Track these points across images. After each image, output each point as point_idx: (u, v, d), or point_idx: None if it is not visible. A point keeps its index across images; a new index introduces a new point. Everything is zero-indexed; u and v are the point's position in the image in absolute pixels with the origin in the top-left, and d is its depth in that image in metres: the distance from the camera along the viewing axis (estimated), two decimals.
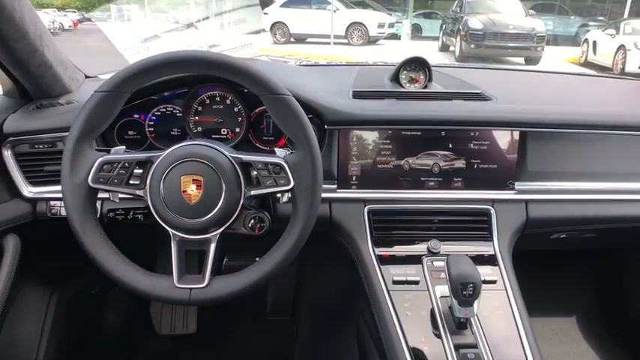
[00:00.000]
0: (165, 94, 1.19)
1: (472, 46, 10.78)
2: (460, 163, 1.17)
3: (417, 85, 1.31)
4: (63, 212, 1.12)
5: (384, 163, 1.17)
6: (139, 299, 1.81)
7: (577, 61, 11.40)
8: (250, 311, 1.93)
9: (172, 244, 0.91)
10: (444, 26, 13.15)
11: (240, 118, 1.19)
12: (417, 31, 15.46)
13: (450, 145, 1.16)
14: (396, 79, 1.31)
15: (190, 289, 0.88)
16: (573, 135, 1.17)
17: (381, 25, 13.17)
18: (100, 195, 1.01)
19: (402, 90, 1.27)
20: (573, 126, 1.15)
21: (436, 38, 13.82)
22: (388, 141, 1.16)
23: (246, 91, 0.91)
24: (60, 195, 0.89)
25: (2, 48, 0.99)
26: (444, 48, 12.74)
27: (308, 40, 13.13)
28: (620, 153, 1.20)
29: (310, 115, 1.14)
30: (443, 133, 1.15)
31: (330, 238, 1.20)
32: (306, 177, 0.89)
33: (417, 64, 1.31)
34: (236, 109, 1.18)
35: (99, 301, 1.63)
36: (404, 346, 0.94)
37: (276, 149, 0.95)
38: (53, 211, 1.14)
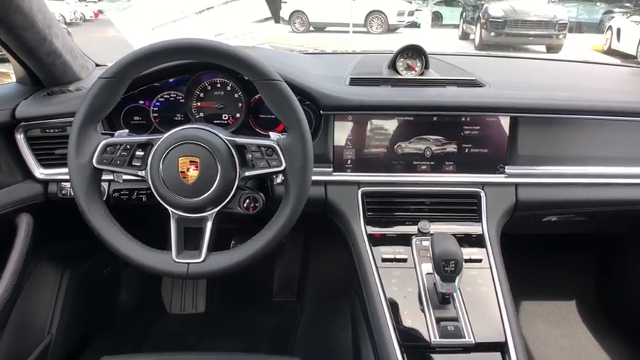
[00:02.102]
0: (170, 80, 1.24)
1: (492, 34, 10.60)
2: (452, 148, 1.20)
3: (413, 72, 1.34)
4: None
5: (378, 147, 1.21)
6: (150, 280, 1.91)
7: (601, 49, 11.12)
8: (257, 292, 2.00)
9: (171, 221, 0.96)
10: (464, 14, 12.94)
11: (240, 104, 1.24)
12: (437, 19, 15.24)
13: (442, 130, 1.19)
14: (393, 66, 1.34)
15: (188, 263, 0.94)
16: (563, 120, 1.19)
17: (400, 13, 13.03)
18: (107, 177, 1.09)
19: (398, 77, 1.31)
20: (562, 111, 1.17)
21: (457, 26, 13.60)
22: (382, 126, 1.20)
23: (246, 78, 0.95)
24: (69, 179, 0.96)
25: (12, 37, 1.05)
26: (465, 36, 12.56)
27: (327, 29, 13.09)
28: (610, 138, 1.22)
29: (307, 101, 1.19)
30: (435, 118, 1.19)
31: (326, 219, 1.25)
32: (297, 159, 0.93)
33: (414, 51, 1.34)
34: (236, 96, 1.23)
35: (111, 281, 1.72)
36: (388, 318, 0.98)
37: (270, 133, 1.00)
38: (64, 191, 1.22)
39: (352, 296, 1.14)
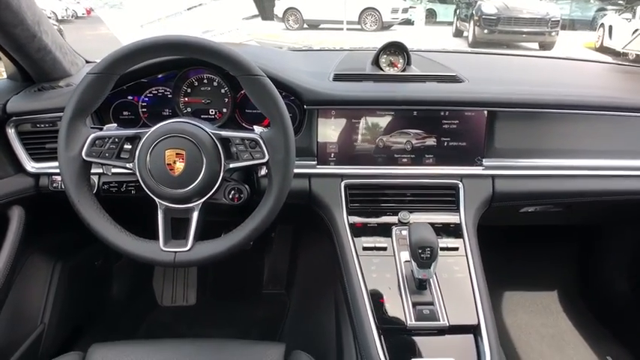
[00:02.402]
0: (158, 76, 1.28)
1: (485, 31, 10.64)
2: (431, 141, 1.24)
3: (395, 68, 1.38)
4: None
5: (360, 141, 1.25)
6: (142, 273, 1.94)
7: (593, 47, 11.19)
8: (248, 285, 2.04)
9: (159, 212, 0.99)
10: (457, 11, 12.98)
11: (226, 99, 1.27)
12: (431, 16, 15.26)
13: (422, 124, 1.23)
14: (376, 62, 1.38)
15: (175, 252, 0.97)
16: (538, 114, 1.24)
17: (394, 11, 13.04)
18: (97, 171, 1.12)
19: (381, 73, 1.34)
20: (537, 106, 1.22)
21: (451, 24, 13.64)
22: (364, 120, 1.24)
23: (235, 75, 0.99)
24: (59, 172, 0.99)
25: (2, 34, 1.08)
26: (458, 34, 12.59)
27: (321, 26, 13.10)
28: (584, 132, 1.26)
29: (291, 96, 1.23)
30: (415, 112, 1.23)
31: (311, 211, 1.29)
32: (279, 151, 0.97)
33: (396, 48, 1.38)
34: (223, 91, 1.27)
35: (103, 273, 1.75)
36: (367, 303, 1.03)
37: (255, 127, 1.03)
38: (55, 184, 1.25)
39: (336, 285, 1.18)
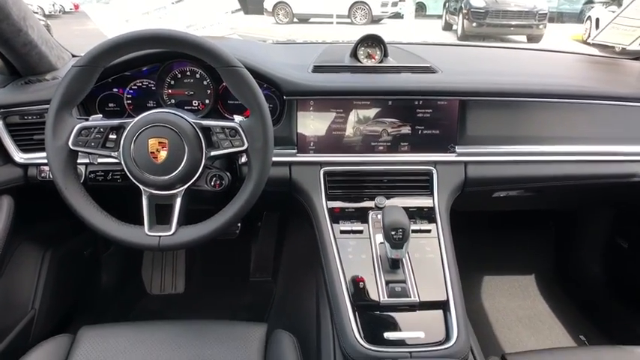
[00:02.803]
0: (142, 69, 1.32)
1: (474, 24, 10.71)
2: (406, 129, 1.30)
3: (373, 60, 1.43)
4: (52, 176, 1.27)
5: (339, 130, 1.30)
6: (130, 262, 1.99)
7: (581, 39, 11.29)
8: (235, 273, 2.09)
9: (143, 199, 1.04)
10: (447, 4, 13.03)
11: (209, 91, 1.32)
12: (421, 10, 15.33)
13: (397, 113, 1.29)
14: (354, 54, 1.42)
15: (159, 236, 1.02)
16: (507, 103, 1.29)
17: (384, 4, 13.08)
18: (84, 161, 1.17)
19: (358, 65, 1.39)
20: (504, 94, 1.27)
21: (441, 17, 13.70)
22: (342, 110, 1.28)
23: (214, 67, 1.03)
24: (47, 161, 1.03)
25: None
26: (448, 27, 12.65)
27: (311, 20, 13.10)
28: (551, 119, 1.32)
29: (271, 88, 1.28)
30: (390, 102, 1.28)
31: (293, 198, 1.34)
32: (258, 139, 1.02)
33: (374, 40, 1.42)
34: (205, 83, 1.31)
35: (92, 263, 1.79)
36: (342, 281, 1.08)
37: (235, 116, 1.08)
38: (43, 174, 1.29)
39: (318, 269, 1.23)
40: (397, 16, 13.53)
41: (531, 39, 10.69)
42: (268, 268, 2.07)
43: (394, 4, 13.44)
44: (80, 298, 1.70)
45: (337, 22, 12.11)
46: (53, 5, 13.30)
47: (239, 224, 1.93)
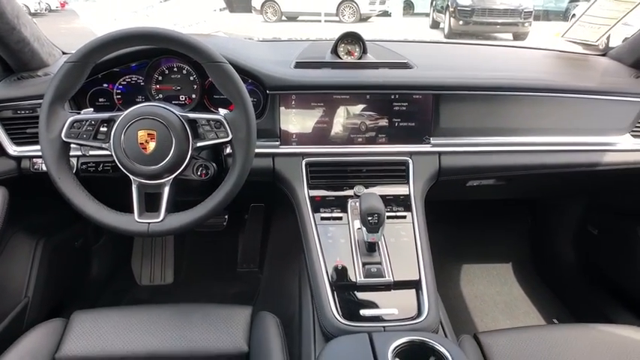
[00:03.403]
0: (131, 65, 1.37)
1: (461, 22, 10.83)
2: (383, 122, 1.37)
3: (352, 56, 1.50)
4: (44, 168, 1.32)
5: (320, 123, 1.36)
6: (120, 254, 2.04)
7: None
8: (222, 264, 2.16)
9: (133, 188, 1.09)
10: (434, 3, 13.13)
11: (195, 86, 1.37)
12: (409, 8, 15.44)
13: (375, 107, 1.36)
14: (334, 51, 1.49)
15: (148, 223, 1.08)
16: (479, 96, 1.37)
17: (372, 2, 13.16)
18: (76, 153, 1.22)
19: (339, 61, 1.46)
20: (476, 88, 1.35)
21: (428, 15, 13.81)
22: (322, 104, 1.35)
23: (200, 62, 1.09)
24: (41, 153, 1.08)
25: None
26: (435, 25, 12.76)
27: (299, 18, 13.15)
28: (518, 112, 1.40)
29: (255, 82, 1.34)
30: (368, 96, 1.35)
31: (275, 187, 1.40)
32: (241, 130, 1.08)
33: (353, 38, 1.49)
34: (191, 78, 1.37)
35: (83, 254, 1.84)
36: (322, 263, 1.15)
37: (219, 109, 1.14)
38: (36, 166, 1.34)
39: (300, 256, 1.30)
40: (385, 14, 13.63)
41: (517, 37, 10.84)
42: (255, 259, 2.14)
43: (382, 3, 13.53)
44: (71, 289, 1.75)
45: (325, 21, 12.18)
46: (39, 3, 13.18)
47: (226, 216, 2.00)
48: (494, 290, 2.04)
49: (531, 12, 10.83)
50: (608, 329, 1.16)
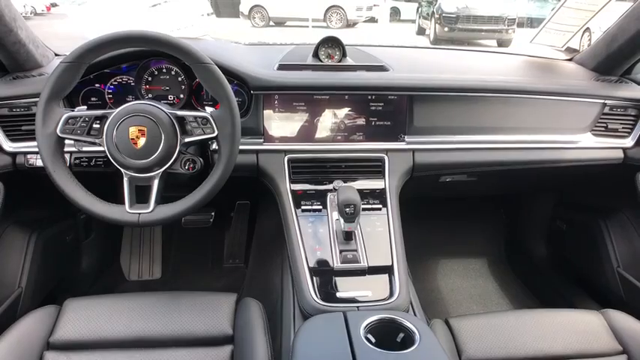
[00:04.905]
0: (122, 67, 1.44)
1: (446, 29, 11.01)
2: (361, 121, 1.46)
3: (332, 60, 1.58)
4: (38, 163, 1.38)
5: (301, 122, 1.45)
6: (109, 250, 2.10)
7: None
8: (209, 260, 2.23)
9: (124, 181, 1.16)
10: (419, 9, 13.34)
11: (183, 87, 1.45)
12: (395, 14, 15.62)
13: (353, 107, 1.45)
14: (316, 54, 1.58)
15: (139, 213, 1.15)
16: (450, 97, 1.46)
17: (359, 9, 13.31)
18: (70, 149, 1.29)
19: (319, 64, 1.55)
20: (446, 89, 1.45)
21: (415, 21, 14.00)
22: (303, 104, 1.44)
23: (188, 64, 1.16)
24: (36, 149, 1.14)
25: None
26: (421, 31, 12.93)
27: (287, 23, 13.25)
28: (488, 111, 1.50)
29: (240, 83, 1.42)
30: (347, 96, 1.44)
31: (260, 183, 1.48)
32: (227, 127, 1.16)
33: (333, 42, 1.58)
34: (180, 79, 1.44)
35: (73, 249, 1.90)
36: (302, 251, 1.24)
37: (206, 107, 1.22)
38: (30, 161, 1.40)
39: (283, 247, 1.37)
40: (372, 20, 13.79)
41: (501, 43, 11.04)
42: (241, 255, 2.21)
43: (369, 9, 13.69)
44: (63, 281, 1.81)
45: (313, 26, 12.28)
46: (24, 7, 13.07)
47: (213, 213, 2.07)
48: (469, 284, 2.14)
49: (515, 19, 11.06)
50: (570, 313, 1.25)
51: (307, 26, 12.25)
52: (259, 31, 12.34)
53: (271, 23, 13.13)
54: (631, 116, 1.58)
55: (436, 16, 11.15)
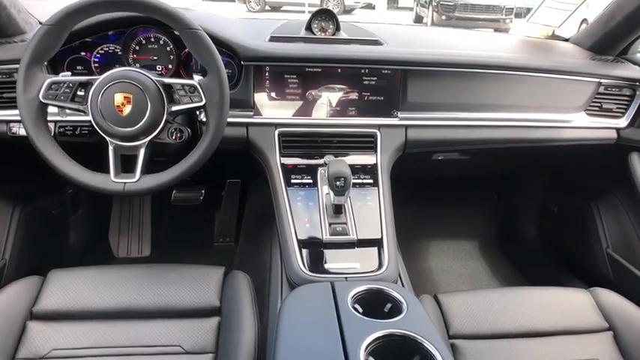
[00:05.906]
0: (109, 34, 1.40)
1: (443, 17, 10.97)
2: (354, 95, 1.43)
3: (326, 33, 1.55)
4: (21, 132, 1.34)
5: (292, 95, 1.42)
6: (98, 226, 2.07)
7: (546, 34, 11.63)
8: (199, 238, 2.21)
9: (109, 149, 1.14)
10: None
11: (172, 57, 1.41)
12: (393, 2, 15.51)
13: (346, 80, 1.42)
14: (309, 27, 1.55)
15: (124, 182, 1.12)
16: (444, 73, 1.44)
17: None
18: (54, 118, 1.25)
19: (312, 36, 1.52)
20: (442, 65, 1.42)
21: (412, 9, 13.90)
22: (295, 76, 1.41)
23: (176, 30, 1.13)
24: (18, 117, 1.11)
25: None
26: (419, 19, 12.87)
27: (283, 8, 13.10)
28: (482, 88, 1.48)
29: (231, 54, 1.39)
30: (339, 70, 1.41)
31: (250, 158, 1.46)
32: (215, 96, 1.13)
33: (327, 15, 1.55)
34: (168, 49, 1.41)
35: (60, 224, 1.87)
36: (291, 224, 1.22)
37: (194, 75, 1.19)
38: (13, 130, 1.36)
39: (273, 223, 1.36)
40: (369, 6, 13.66)
41: (498, 32, 11.01)
42: (231, 233, 2.19)
43: None
44: (49, 256, 1.78)
45: (309, 12, 12.12)
46: None
47: (202, 191, 2.05)
48: (460, 264, 2.14)
49: (512, 9, 11.03)
50: (558, 291, 1.25)
51: (304, 11, 12.10)
52: (254, 16, 12.19)
53: (267, 7, 12.98)
54: (626, 96, 1.56)
55: (434, 3, 11.09)
